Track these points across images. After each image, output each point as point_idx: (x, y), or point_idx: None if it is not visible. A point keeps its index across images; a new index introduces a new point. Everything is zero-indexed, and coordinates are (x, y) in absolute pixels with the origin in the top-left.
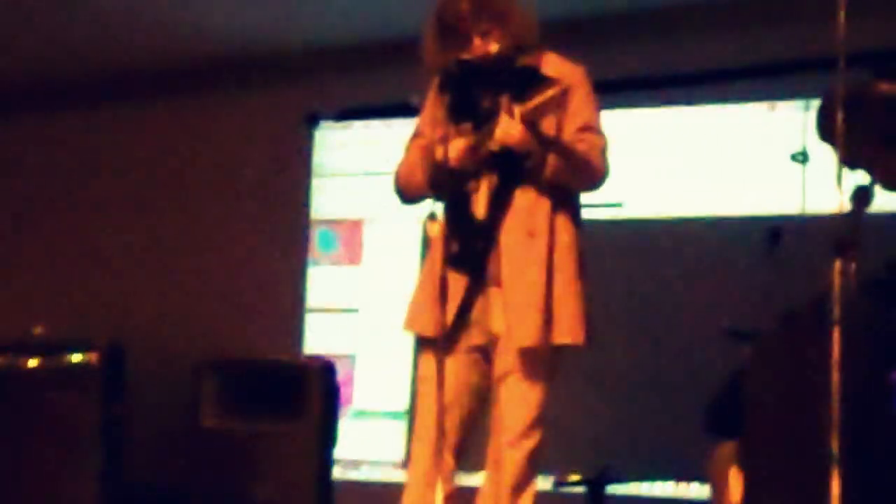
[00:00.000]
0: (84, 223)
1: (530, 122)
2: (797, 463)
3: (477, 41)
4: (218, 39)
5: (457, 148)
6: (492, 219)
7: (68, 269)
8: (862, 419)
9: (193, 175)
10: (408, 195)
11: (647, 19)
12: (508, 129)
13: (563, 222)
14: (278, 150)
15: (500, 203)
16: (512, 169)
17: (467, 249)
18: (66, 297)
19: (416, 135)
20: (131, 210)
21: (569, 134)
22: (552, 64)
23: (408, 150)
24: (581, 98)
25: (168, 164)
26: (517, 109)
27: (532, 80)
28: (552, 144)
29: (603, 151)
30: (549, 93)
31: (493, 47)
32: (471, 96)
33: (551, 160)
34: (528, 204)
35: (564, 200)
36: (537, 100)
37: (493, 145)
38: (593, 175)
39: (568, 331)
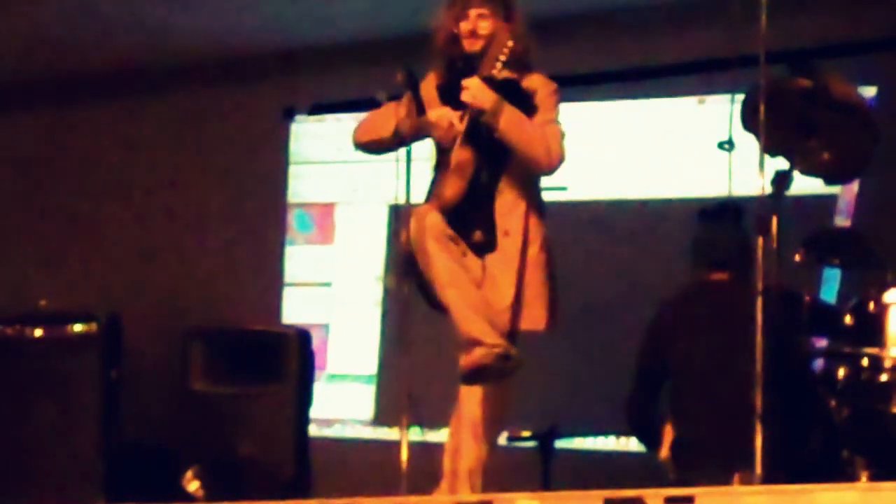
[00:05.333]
0: (85, 209)
1: (490, 80)
2: (720, 419)
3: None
4: (206, 42)
5: (439, 114)
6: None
7: (71, 249)
8: (783, 379)
9: (184, 163)
10: (362, 131)
11: (590, 22)
12: (475, 88)
13: (535, 222)
14: (259, 141)
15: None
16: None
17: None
18: (69, 274)
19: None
20: (128, 196)
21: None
22: (534, 81)
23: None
24: (545, 95)
25: (161, 154)
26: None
27: (514, 94)
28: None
29: (560, 138)
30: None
31: (498, 67)
32: (459, 84)
33: (506, 112)
34: (505, 207)
35: (536, 201)
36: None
37: (464, 95)
38: (548, 151)
39: (533, 319)
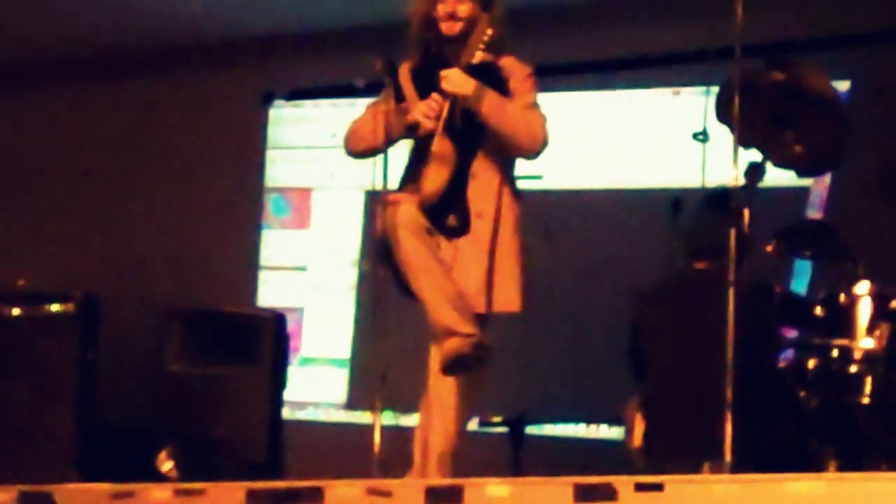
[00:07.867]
0: (62, 190)
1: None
2: (691, 409)
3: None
4: (185, 27)
5: (420, 109)
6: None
7: (48, 230)
8: (752, 369)
9: (163, 146)
10: (354, 142)
11: (566, 13)
12: (455, 76)
13: (508, 204)
14: (237, 126)
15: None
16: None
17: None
18: (47, 253)
19: (378, 101)
20: (107, 178)
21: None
22: (508, 64)
23: (366, 110)
24: (520, 79)
25: (141, 137)
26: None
27: (488, 75)
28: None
29: (543, 121)
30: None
31: (478, 56)
32: (435, 73)
33: (488, 97)
34: (477, 189)
35: (510, 184)
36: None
37: (445, 85)
38: (532, 134)
39: (506, 301)
